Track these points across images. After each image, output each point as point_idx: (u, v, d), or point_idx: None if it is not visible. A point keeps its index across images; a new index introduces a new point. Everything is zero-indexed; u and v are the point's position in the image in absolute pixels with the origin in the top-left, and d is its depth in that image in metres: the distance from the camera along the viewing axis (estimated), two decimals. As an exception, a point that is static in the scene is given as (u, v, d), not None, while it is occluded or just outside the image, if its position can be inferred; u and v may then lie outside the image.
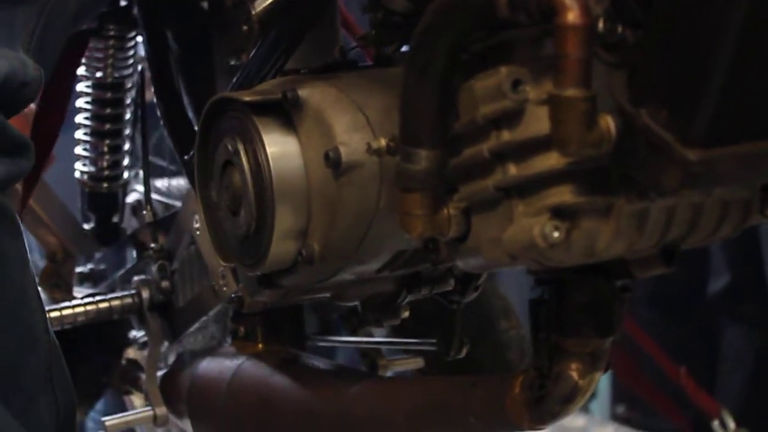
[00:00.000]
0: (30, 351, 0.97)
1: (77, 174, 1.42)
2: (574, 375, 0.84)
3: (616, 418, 1.97)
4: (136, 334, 1.35)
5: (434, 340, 1.13)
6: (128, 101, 1.39)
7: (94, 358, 1.33)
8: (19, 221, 0.95)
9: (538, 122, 0.73)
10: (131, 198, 1.46)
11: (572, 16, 0.67)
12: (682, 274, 1.28)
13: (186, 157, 1.13)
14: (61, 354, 1.01)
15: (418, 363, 1.29)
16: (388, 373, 1.23)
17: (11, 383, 0.95)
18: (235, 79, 1.03)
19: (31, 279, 0.97)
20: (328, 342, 1.28)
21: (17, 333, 0.95)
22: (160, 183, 1.41)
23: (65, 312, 1.25)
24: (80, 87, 1.37)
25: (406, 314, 1.07)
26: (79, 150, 1.41)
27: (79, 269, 1.42)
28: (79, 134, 1.40)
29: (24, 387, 0.96)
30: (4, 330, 0.94)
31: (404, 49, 0.93)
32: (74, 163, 1.43)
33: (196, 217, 1.16)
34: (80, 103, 1.38)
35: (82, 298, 1.27)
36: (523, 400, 0.86)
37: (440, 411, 0.94)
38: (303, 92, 0.89)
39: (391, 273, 0.97)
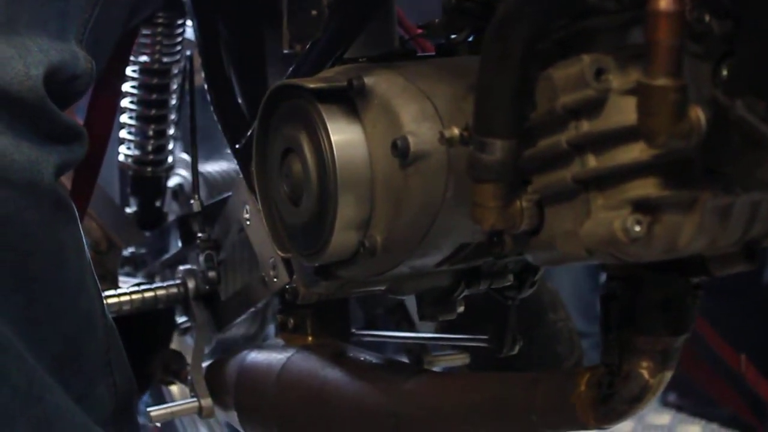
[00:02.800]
0: (89, 336, 0.97)
1: (121, 157, 1.41)
2: (645, 373, 0.82)
3: (667, 405, 1.96)
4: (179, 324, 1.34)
5: (485, 336, 1.11)
6: (174, 87, 1.38)
7: (139, 349, 1.31)
8: (75, 209, 0.95)
9: (620, 113, 0.71)
10: (172, 182, 1.45)
11: (665, 2, 0.65)
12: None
13: (237, 146, 1.12)
14: (119, 338, 1.01)
15: (464, 359, 1.27)
16: (434, 369, 1.22)
17: (72, 368, 0.95)
18: (292, 68, 1.01)
19: (87, 264, 0.97)
20: (374, 337, 1.26)
21: (76, 318, 0.95)
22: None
23: (110, 301, 1.24)
24: (126, 71, 1.36)
25: (462, 309, 1.05)
26: (123, 134, 1.39)
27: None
28: (124, 118, 1.38)
29: (84, 371, 0.96)
30: (63, 316, 0.94)
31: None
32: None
33: (246, 206, 1.14)
34: (126, 87, 1.36)
35: (128, 288, 1.26)
36: (589, 398, 0.84)
37: (500, 408, 0.92)
38: (369, 80, 0.87)
39: (451, 267, 0.95)
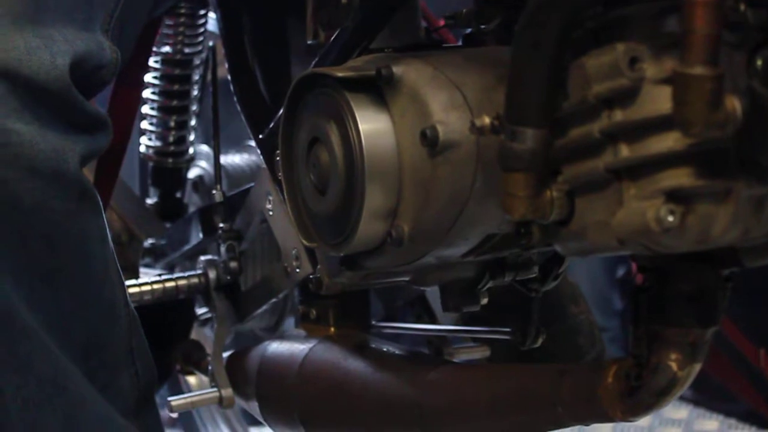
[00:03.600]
0: (112, 326, 0.97)
1: (142, 148, 1.41)
2: (673, 365, 0.81)
3: (683, 399, 1.95)
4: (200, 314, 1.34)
5: (508, 329, 1.11)
6: (196, 78, 1.38)
7: (160, 339, 1.31)
8: (99, 199, 0.95)
9: (654, 102, 0.70)
10: (193, 174, 1.45)
11: (702, -9, 0.64)
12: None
13: (261, 136, 1.12)
14: (141, 327, 1.01)
15: (484, 352, 1.27)
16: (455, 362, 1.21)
17: (96, 357, 0.95)
18: (317, 57, 1.01)
19: (111, 254, 0.97)
20: (394, 329, 1.26)
21: (100, 309, 0.95)
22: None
23: (132, 290, 1.23)
24: (149, 62, 1.36)
25: (485, 301, 1.05)
26: (144, 125, 1.39)
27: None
28: (145, 109, 1.38)
29: (107, 360, 0.96)
30: (88, 306, 0.94)
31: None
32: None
33: (269, 197, 1.14)
34: (148, 78, 1.36)
35: (149, 278, 1.26)
36: (616, 390, 0.84)
37: (525, 399, 0.91)
38: (397, 69, 0.86)
39: (476, 258, 0.94)
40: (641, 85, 0.71)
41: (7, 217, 0.87)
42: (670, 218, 0.70)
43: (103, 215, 0.96)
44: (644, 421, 1.87)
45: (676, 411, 1.89)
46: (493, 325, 1.16)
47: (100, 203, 0.95)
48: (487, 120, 0.79)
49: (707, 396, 1.99)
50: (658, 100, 0.70)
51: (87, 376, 0.94)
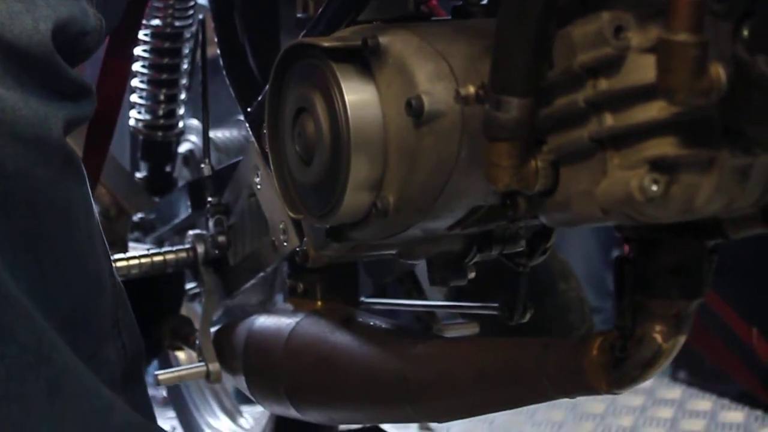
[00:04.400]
0: (98, 296, 0.96)
1: (131, 122, 1.40)
2: (658, 338, 0.81)
3: (677, 381, 1.96)
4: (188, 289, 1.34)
5: (496, 304, 1.11)
6: (186, 51, 1.37)
7: (148, 314, 1.31)
8: (83, 167, 0.94)
9: (639, 71, 0.70)
10: (183, 148, 1.44)
11: (686, -42, 0.64)
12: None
13: (249, 109, 1.11)
14: (127, 299, 1.00)
15: (474, 328, 1.27)
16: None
17: (80, 328, 0.94)
18: (305, 30, 1.00)
19: (96, 225, 0.96)
20: (384, 305, 1.25)
21: (85, 279, 0.95)
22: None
23: (119, 264, 1.23)
24: (138, 35, 1.35)
25: (473, 275, 1.04)
26: (134, 98, 1.39)
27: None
28: (135, 82, 1.38)
29: (92, 332, 0.96)
30: (72, 276, 0.93)
31: None
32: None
33: (258, 170, 1.13)
34: (138, 51, 1.36)
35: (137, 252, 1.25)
36: (601, 362, 0.84)
37: (511, 373, 0.91)
38: (384, 40, 0.86)
39: (463, 230, 0.94)
40: (626, 54, 0.70)
41: None
42: (654, 188, 0.70)
43: (87, 185, 0.95)
44: (637, 401, 1.87)
45: (669, 391, 1.90)
46: (481, 300, 1.16)
47: (84, 172, 0.94)
48: (471, 89, 0.79)
49: (700, 376, 1.99)
50: (643, 69, 0.69)
51: (72, 346, 0.94)
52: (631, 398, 1.86)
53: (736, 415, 1.82)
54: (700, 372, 2.00)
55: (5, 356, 0.89)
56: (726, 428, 1.77)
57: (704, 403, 1.86)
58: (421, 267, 1.23)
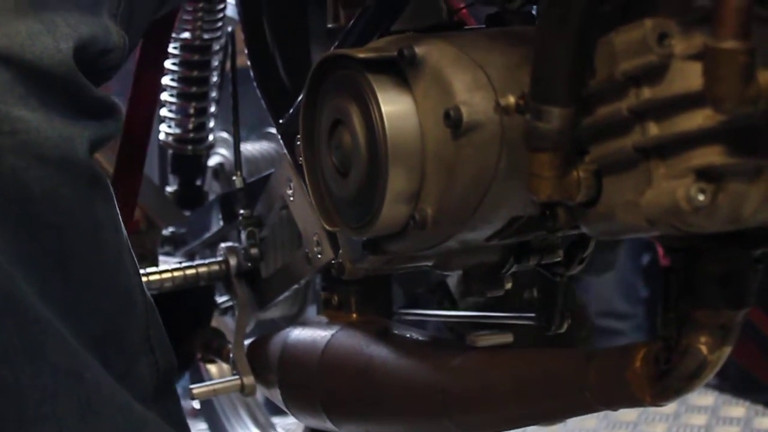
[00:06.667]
0: (129, 313, 0.96)
1: (161, 136, 1.40)
2: (703, 349, 0.79)
3: (708, 386, 1.94)
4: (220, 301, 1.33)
5: (532, 314, 1.10)
6: (215, 64, 1.37)
7: (180, 327, 1.30)
8: (110, 185, 0.94)
9: (683, 78, 0.69)
10: (213, 161, 1.44)
11: (733, -37, 0.63)
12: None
13: (281, 121, 1.10)
14: (158, 315, 1.00)
15: (507, 338, 1.25)
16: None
17: (112, 345, 0.94)
18: (338, 40, 1.00)
19: (125, 242, 0.96)
20: (417, 316, 1.24)
21: (115, 297, 0.94)
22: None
23: (152, 278, 1.23)
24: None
25: (509, 286, 1.03)
26: (164, 112, 1.38)
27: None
28: (164, 96, 1.37)
29: (124, 348, 0.95)
30: (102, 295, 0.93)
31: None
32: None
33: (290, 182, 1.13)
34: (166, 64, 1.35)
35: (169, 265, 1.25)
36: (645, 374, 0.82)
37: (551, 384, 0.90)
38: (420, 50, 0.85)
39: (500, 241, 0.93)
40: (670, 61, 0.69)
41: (17, 207, 0.85)
42: (701, 197, 0.69)
43: (115, 202, 0.94)
44: (669, 409, 1.85)
45: (701, 398, 1.88)
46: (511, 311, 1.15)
47: (111, 190, 0.94)
48: (512, 99, 0.78)
49: (733, 383, 1.98)
50: (688, 77, 0.68)
51: (104, 364, 0.93)
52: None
53: (771, 421, 1.80)
54: (731, 377, 1.98)
55: (38, 376, 0.89)
56: (761, 435, 1.76)
57: (738, 409, 1.85)
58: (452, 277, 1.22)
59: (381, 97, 0.85)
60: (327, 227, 0.95)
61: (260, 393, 1.27)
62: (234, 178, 1.23)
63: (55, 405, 0.90)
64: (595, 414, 1.82)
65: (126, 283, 0.96)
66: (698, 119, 0.69)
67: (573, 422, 1.81)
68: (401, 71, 0.86)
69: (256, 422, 1.62)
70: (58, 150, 0.86)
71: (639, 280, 2.43)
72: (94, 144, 0.90)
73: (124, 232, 0.97)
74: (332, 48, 0.99)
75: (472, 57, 0.84)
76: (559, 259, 1.00)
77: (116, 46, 0.92)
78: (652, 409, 1.85)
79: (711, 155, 0.69)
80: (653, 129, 0.71)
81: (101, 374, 0.93)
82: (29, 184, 0.85)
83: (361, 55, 0.86)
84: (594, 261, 1.39)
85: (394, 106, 0.85)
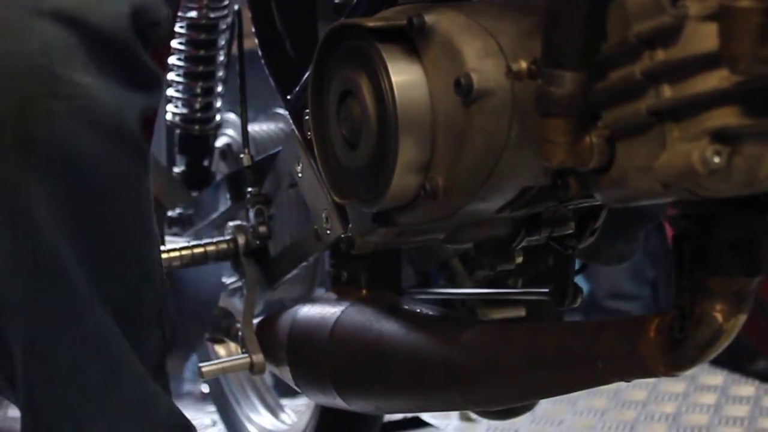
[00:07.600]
0: (148, 286, 0.96)
1: (168, 116, 1.39)
2: (719, 317, 0.79)
3: (718, 365, 1.93)
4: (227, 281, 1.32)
5: (545, 289, 1.09)
6: (222, 43, 1.36)
7: (189, 307, 1.30)
8: (151, 161, 0.94)
9: (698, 40, 0.68)
10: (221, 142, 1.43)
11: None
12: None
13: (289, 97, 1.10)
14: (168, 290, 1.00)
15: (519, 312, 1.25)
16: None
17: (132, 317, 0.94)
18: (347, 11, 0.99)
19: (153, 218, 0.96)
20: (427, 294, 1.24)
21: (140, 268, 0.95)
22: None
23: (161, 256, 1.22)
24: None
25: (520, 259, 1.03)
26: (170, 92, 1.38)
27: (167, 213, 1.40)
28: (171, 76, 1.37)
29: (140, 321, 0.95)
30: (130, 266, 0.94)
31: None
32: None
33: (299, 159, 1.12)
34: (173, 43, 1.35)
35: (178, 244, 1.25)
36: (658, 343, 0.82)
37: (564, 356, 0.89)
38: (429, 18, 0.84)
39: (512, 213, 0.92)
40: (684, 22, 0.68)
41: (66, 169, 0.85)
42: (716, 159, 0.68)
43: (151, 176, 0.95)
44: (678, 388, 1.85)
45: (711, 377, 1.87)
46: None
47: (151, 165, 0.94)
48: (524, 65, 0.77)
49: (743, 361, 1.97)
50: (702, 38, 0.67)
51: (124, 333, 0.93)
52: (673, 385, 1.84)
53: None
54: (743, 355, 1.98)
55: (72, 346, 0.89)
56: (770, 412, 1.76)
57: (747, 388, 1.84)
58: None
59: (391, 67, 0.84)
60: (337, 200, 0.94)
61: (269, 373, 1.27)
62: (241, 156, 1.22)
63: (84, 374, 0.91)
64: (604, 393, 1.82)
65: (151, 255, 0.97)
66: (713, 80, 0.68)
67: (582, 402, 1.81)
68: (411, 40, 0.85)
69: (265, 404, 1.62)
70: (111, 119, 0.87)
71: (646, 261, 2.42)
72: (143, 115, 0.90)
73: (153, 205, 0.97)
74: (343, 17, 0.98)
75: (483, 25, 0.83)
76: (570, 231, 0.99)
77: (165, 18, 0.92)
78: (661, 388, 1.84)
79: (726, 117, 0.68)
80: (667, 92, 0.70)
81: (124, 344, 0.93)
82: (80, 148, 0.85)
83: (371, 24, 0.86)
84: (610, 252, 1.38)
85: (404, 76, 0.85)
